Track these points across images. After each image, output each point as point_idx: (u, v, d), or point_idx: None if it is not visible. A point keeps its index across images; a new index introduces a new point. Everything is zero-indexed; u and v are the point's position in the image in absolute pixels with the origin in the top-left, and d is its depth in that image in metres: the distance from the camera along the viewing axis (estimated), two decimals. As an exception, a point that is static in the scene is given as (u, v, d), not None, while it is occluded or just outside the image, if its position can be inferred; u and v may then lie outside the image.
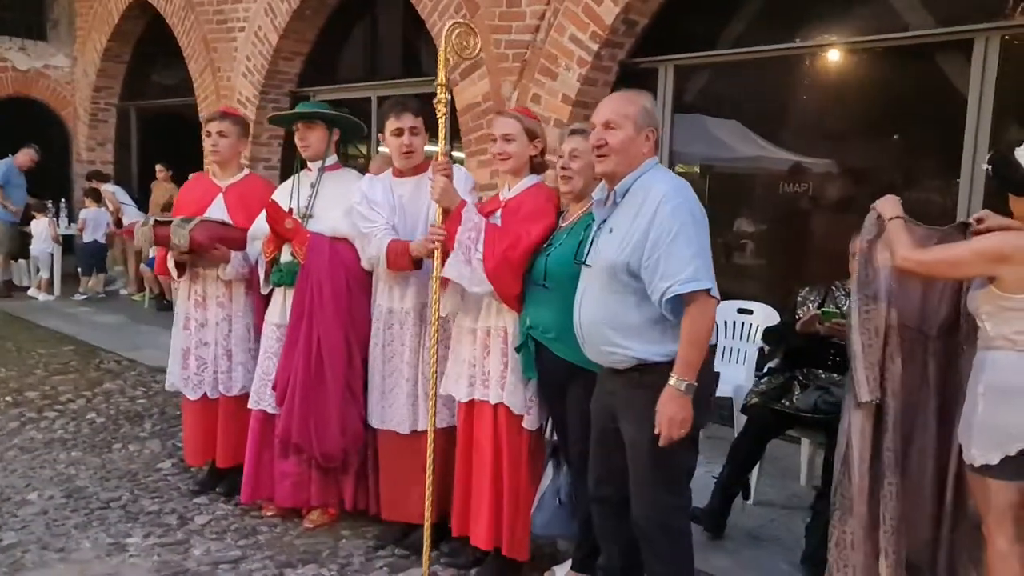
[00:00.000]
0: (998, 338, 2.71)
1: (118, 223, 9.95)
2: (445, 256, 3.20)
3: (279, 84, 8.47)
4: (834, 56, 5.05)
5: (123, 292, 10.53)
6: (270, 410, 3.85)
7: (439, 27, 6.57)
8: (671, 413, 2.56)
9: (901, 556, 2.96)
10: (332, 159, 3.94)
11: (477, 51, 3.21)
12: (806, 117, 5.50)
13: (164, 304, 9.28)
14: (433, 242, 3.19)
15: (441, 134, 3.21)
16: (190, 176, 4.65)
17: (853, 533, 2.97)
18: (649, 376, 2.64)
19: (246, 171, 4.26)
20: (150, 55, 10.91)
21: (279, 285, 3.84)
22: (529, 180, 3.35)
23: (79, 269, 10.10)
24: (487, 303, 3.26)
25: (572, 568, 3.28)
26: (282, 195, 3.94)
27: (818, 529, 3.55)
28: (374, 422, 3.71)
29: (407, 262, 3.43)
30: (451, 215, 3.16)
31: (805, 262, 5.74)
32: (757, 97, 5.35)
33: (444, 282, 3.23)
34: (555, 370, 3.10)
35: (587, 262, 2.80)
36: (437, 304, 3.23)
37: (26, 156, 10.02)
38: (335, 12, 8.08)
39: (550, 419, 3.34)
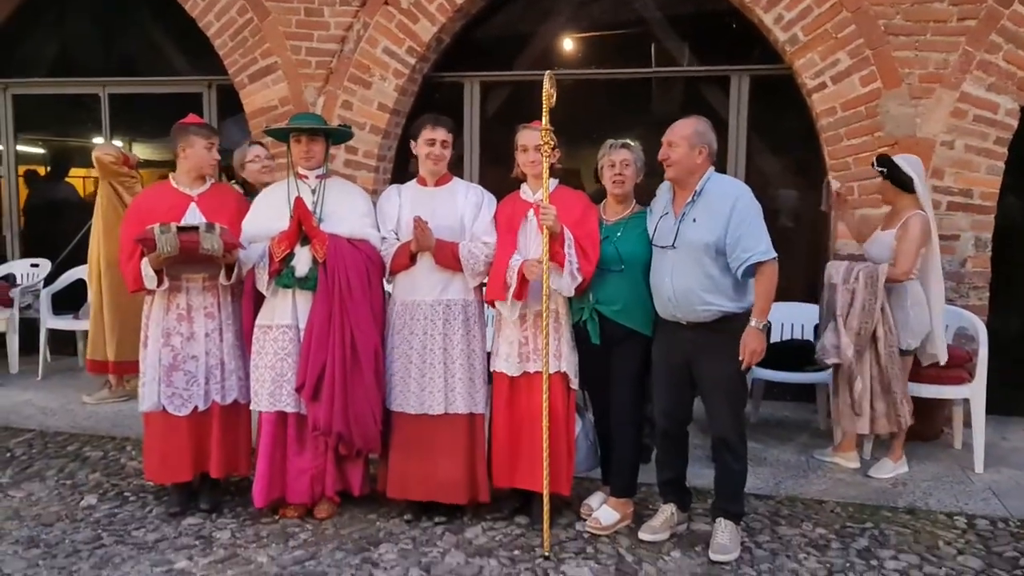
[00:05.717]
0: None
1: None
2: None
3: (-50, 73, 7.25)
4: (617, 82, 6.39)
5: None
6: (288, 410, 3.95)
7: (216, 27, 6.46)
8: (753, 346, 3.57)
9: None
10: (326, 168, 4.12)
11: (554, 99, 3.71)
12: (589, 133, 6.53)
13: None
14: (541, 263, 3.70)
15: (545, 166, 3.71)
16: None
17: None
18: (729, 324, 3.62)
19: (211, 180, 4.13)
20: None
21: (288, 287, 3.92)
22: (553, 183, 4.02)
23: None
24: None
25: (614, 495, 4.06)
26: (275, 202, 3.99)
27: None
28: (400, 406, 4.03)
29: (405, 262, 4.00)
30: (557, 238, 3.71)
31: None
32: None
33: (522, 292, 3.78)
34: (612, 336, 3.89)
35: (674, 245, 3.66)
36: (547, 306, 3.72)
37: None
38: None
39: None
